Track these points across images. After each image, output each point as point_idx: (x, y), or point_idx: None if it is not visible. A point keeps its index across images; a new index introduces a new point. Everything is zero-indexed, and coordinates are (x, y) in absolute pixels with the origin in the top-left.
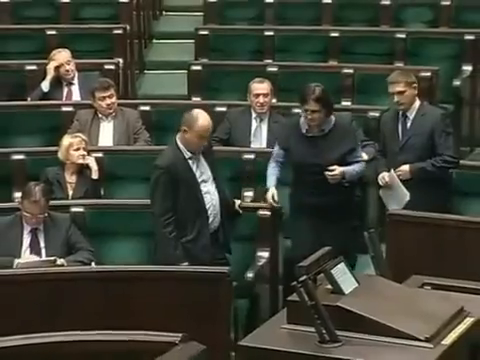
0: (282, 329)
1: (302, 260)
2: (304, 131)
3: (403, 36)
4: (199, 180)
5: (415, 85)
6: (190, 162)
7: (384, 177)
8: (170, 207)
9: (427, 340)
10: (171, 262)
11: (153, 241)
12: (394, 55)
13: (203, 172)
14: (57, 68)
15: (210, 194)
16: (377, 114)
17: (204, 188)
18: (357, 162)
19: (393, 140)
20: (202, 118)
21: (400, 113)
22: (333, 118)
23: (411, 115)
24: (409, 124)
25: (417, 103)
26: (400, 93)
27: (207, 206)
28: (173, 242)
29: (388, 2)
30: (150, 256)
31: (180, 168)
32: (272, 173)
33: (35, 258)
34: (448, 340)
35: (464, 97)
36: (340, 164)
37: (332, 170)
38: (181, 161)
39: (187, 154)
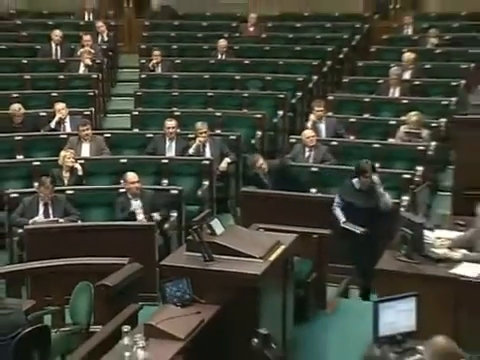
0: (184, 255)
1: None
2: None
3: (247, 95)
4: None
5: None
6: None
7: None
8: None
9: (261, 258)
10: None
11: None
12: (242, 105)
13: None
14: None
15: None
16: (235, 137)
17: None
18: None
19: None
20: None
21: None
22: None
23: None
24: None
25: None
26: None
27: None
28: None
29: (239, 77)
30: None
31: None
32: None
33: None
34: (271, 258)
35: (279, 128)
36: None
37: None
38: None
39: None
